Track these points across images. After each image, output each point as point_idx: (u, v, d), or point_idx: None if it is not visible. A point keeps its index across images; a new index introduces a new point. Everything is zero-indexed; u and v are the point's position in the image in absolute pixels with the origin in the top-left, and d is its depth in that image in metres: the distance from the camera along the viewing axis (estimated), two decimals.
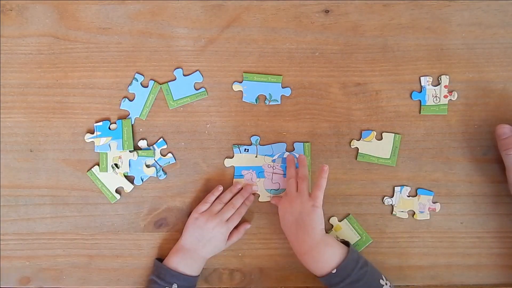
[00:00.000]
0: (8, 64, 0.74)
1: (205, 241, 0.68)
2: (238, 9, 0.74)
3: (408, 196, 0.72)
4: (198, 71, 0.73)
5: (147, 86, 0.73)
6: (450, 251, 0.73)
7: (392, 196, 0.73)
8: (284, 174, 0.73)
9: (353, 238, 0.73)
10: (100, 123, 0.73)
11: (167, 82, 0.73)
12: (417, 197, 0.72)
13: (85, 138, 0.73)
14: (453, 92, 0.73)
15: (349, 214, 0.73)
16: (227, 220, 0.69)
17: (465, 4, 0.73)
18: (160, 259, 0.70)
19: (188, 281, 0.67)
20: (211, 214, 0.69)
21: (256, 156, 0.73)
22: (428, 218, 0.72)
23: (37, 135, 0.73)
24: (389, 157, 0.73)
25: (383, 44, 0.73)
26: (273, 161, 0.73)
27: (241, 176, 0.73)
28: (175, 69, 0.73)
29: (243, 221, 0.72)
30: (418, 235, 0.73)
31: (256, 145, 0.73)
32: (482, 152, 0.72)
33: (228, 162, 0.73)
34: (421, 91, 0.73)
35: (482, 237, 0.73)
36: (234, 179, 0.73)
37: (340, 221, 0.73)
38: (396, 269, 0.73)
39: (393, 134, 0.73)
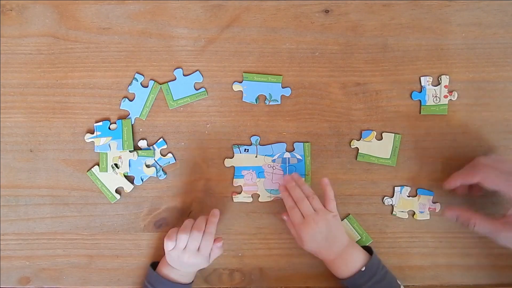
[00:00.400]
0: (8, 64, 0.74)
1: (185, 264, 0.66)
2: (238, 9, 0.74)
3: (408, 196, 0.72)
4: (198, 71, 0.73)
5: (147, 86, 0.73)
6: (450, 251, 0.73)
7: (392, 196, 0.73)
8: (285, 174, 0.73)
9: (353, 238, 0.73)
10: (100, 123, 0.73)
11: (167, 82, 0.73)
12: (417, 197, 0.72)
13: (85, 138, 0.73)
14: (453, 92, 0.73)
15: (349, 214, 0.73)
16: (198, 249, 0.66)
17: (465, 4, 0.73)
18: (157, 262, 0.70)
19: None
20: (180, 251, 0.66)
21: (256, 156, 0.73)
22: (428, 218, 0.72)
23: (37, 135, 0.73)
24: (389, 157, 0.73)
25: (383, 44, 0.73)
26: (273, 161, 0.73)
27: (241, 176, 0.73)
28: (175, 69, 0.73)
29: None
30: (418, 235, 0.73)
31: (256, 145, 0.73)
32: (482, 152, 0.72)
33: (228, 162, 0.73)
34: (421, 91, 0.73)
35: (482, 237, 0.72)
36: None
37: None
38: (396, 269, 0.73)
39: (393, 134, 0.73)
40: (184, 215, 0.73)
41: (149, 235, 0.73)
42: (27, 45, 0.74)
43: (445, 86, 0.73)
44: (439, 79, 0.73)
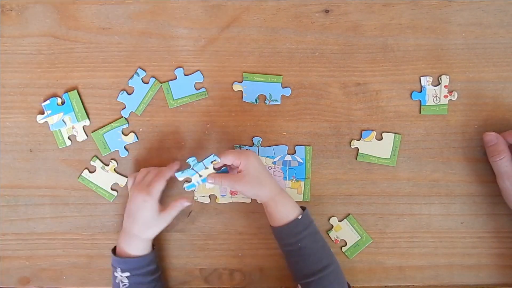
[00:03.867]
0: (8, 64, 0.74)
1: (133, 215, 0.66)
2: (238, 9, 0.74)
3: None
4: (199, 71, 0.73)
5: (147, 83, 0.73)
6: (450, 251, 0.73)
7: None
8: (285, 177, 0.73)
9: (353, 238, 0.73)
10: (48, 102, 0.72)
11: (167, 81, 0.73)
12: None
13: (37, 119, 0.72)
14: (453, 92, 0.73)
15: (349, 214, 0.73)
16: (148, 184, 0.66)
17: (465, 4, 0.73)
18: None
19: (128, 263, 0.66)
20: (135, 185, 0.68)
21: None
22: (231, 201, 0.73)
23: (37, 135, 0.73)
24: (389, 157, 0.73)
25: (383, 44, 0.73)
26: (274, 163, 0.73)
27: None
28: (176, 68, 0.73)
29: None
30: (418, 235, 0.73)
31: (258, 146, 0.73)
32: (482, 152, 0.72)
33: None
34: (421, 91, 0.73)
35: (482, 237, 0.73)
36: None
37: (340, 221, 0.73)
38: (396, 269, 0.73)
39: (393, 134, 0.73)
40: (184, 215, 0.73)
41: None
42: (27, 45, 0.73)
43: (445, 86, 0.73)
44: (439, 79, 0.73)
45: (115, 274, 0.66)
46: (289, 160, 0.73)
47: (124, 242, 0.67)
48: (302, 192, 0.73)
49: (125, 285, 0.65)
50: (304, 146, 0.73)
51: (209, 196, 0.73)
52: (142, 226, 0.66)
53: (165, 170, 0.68)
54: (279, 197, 0.65)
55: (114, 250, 0.68)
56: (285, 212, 0.65)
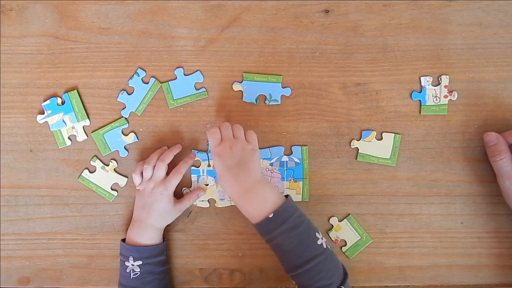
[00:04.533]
0: (8, 64, 0.74)
1: (148, 207, 0.68)
2: (238, 9, 0.74)
3: (206, 185, 0.73)
4: (199, 71, 0.73)
5: (147, 83, 0.73)
6: (450, 251, 0.73)
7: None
8: (282, 177, 0.73)
9: (353, 238, 0.73)
10: (48, 102, 0.73)
11: (167, 81, 0.73)
12: (215, 184, 0.73)
13: (37, 120, 0.73)
14: (453, 92, 0.73)
15: (349, 214, 0.73)
16: (163, 180, 0.69)
17: (465, 4, 0.73)
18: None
19: (142, 251, 0.67)
20: (145, 181, 0.69)
21: None
22: (230, 204, 0.73)
23: (37, 135, 0.73)
24: (389, 157, 0.73)
25: (383, 44, 0.73)
26: (271, 164, 0.73)
27: None
28: (176, 68, 0.73)
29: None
30: (418, 235, 0.73)
31: None
32: (482, 152, 0.72)
33: None
34: (421, 91, 0.73)
35: (482, 237, 0.73)
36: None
37: (340, 221, 0.73)
38: (396, 269, 0.73)
39: (393, 134, 0.73)
40: (184, 215, 0.73)
41: None
42: (27, 45, 0.73)
43: (445, 86, 0.73)
44: (439, 79, 0.73)
45: (126, 263, 0.67)
46: (286, 161, 0.73)
47: (136, 233, 0.68)
48: (301, 192, 0.73)
49: (136, 274, 0.66)
50: (300, 146, 0.73)
51: (208, 200, 0.73)
52: (158, 216, 0.69)
53: (181, 165, 0.70)
54: (249, 193, 0.63)
55: (123, 242, 0.69)
56: (255, 210, 0.63)
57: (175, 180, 0.69)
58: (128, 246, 0.68)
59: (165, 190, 0.68)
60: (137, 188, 0.70)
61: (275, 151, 0.73)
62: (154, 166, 0.69)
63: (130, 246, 0.68)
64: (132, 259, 0.67)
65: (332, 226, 0.73)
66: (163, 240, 0.71)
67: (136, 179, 0.70)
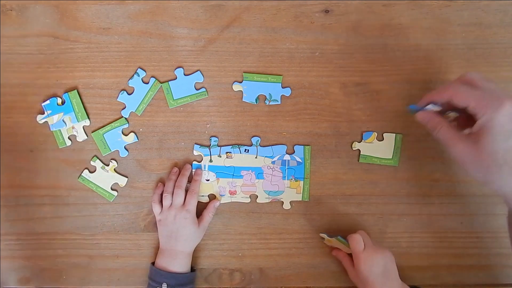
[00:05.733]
0: (8, 64, 0.74)
1: (175, 234, 0.69)
2: (238, 9, 0.74)
3: (207, 180, 0.73)
4: (199, 71, 0.73)
5: (147, 83, 0.73)
6: (450, 251, 0.73)
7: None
8: (283, 176, 0.73)
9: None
10: (48, 102, 0.73)
11: (167, 81, 0.73)
12: (216, 180, 0.73)
13: (37, 120, 0.73)
14: None
15: (349, 214, 0.73)
16: (183, 204, 0.70)
17: (465, 4, 0.73)
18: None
19: (177, 278, 0.67)
20: (166, 209, 0.70)
21: (256, 157, 0.73)
22: (230, 201, 0.73)
23: (37, 135, 0.73)
24: (391, 157, 0.73)
25: (383, 44, 0.73)
26: (273, 162, 0.73)
27: (241, 176, 0.73)
28: (176, 68, 0.73)
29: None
30: (418, 235, 0.73)
31: (257, 146, 0.73)
32: None
33: (227, 162, 0.73)
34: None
35: (482, 237, 0.73)
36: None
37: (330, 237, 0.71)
38: None
39: (394, 134, 0.73)
40: None
41: (149, 235, 0.73)
42: (27, 45, 0.73)
43: None
44: (439, 79, 0.73)
45: None
46: (288, 160, 0.73)
47: (167, 261, 0.68)
48: (301, 192, 0.73)
49: None
50: (303, 146, 0.73)
51: (208, 195, 0.73)
52: (186, 241, 0.69)
53: (193, 186, 0.71)
54: None
55: (154, 267, 0.69)
56: None
57: (193, 201, 0.70)
58: (163, 272, 0.67)
59: (188, 214, 0.69)
60: (158, 218, 0.71)
61: (277, 149, 0.73)
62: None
63: (165, 272, 0.67)
64: (165, 285, 0.66)
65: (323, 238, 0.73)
66: (193, 269, 0.72)
67: (156, 208, 0.71)
